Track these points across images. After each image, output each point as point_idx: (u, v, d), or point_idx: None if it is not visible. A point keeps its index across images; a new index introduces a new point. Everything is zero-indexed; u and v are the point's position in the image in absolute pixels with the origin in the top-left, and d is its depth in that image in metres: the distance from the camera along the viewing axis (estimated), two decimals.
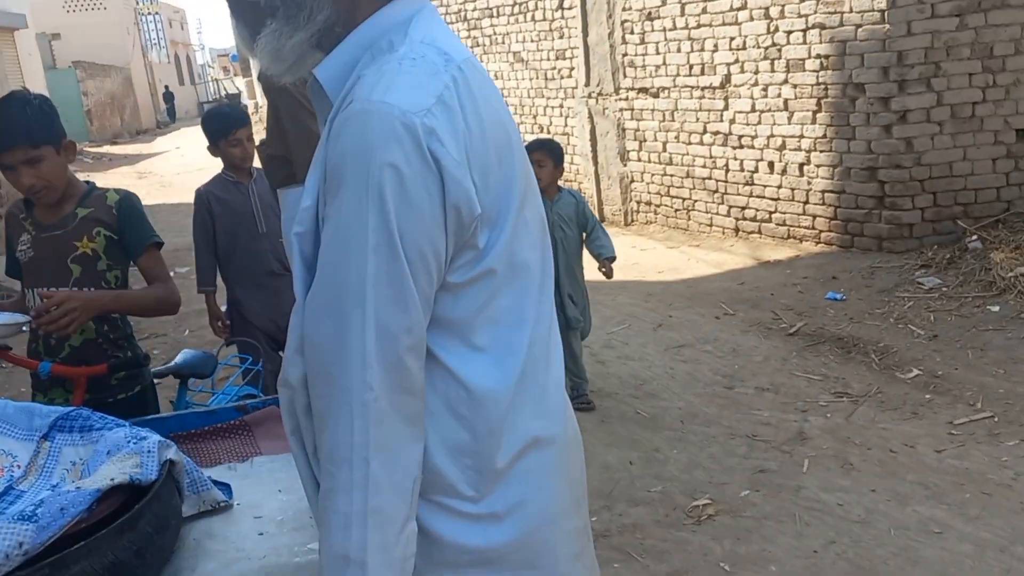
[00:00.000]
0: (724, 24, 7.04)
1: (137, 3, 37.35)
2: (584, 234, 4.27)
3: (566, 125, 9.09)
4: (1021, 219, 5.83)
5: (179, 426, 1.96)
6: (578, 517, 1.19)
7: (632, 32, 8.06)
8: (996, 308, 4.96)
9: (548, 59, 9.31)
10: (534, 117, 9.71)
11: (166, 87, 37.99)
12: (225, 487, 1.65)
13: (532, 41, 9.50)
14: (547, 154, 4.11)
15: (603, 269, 4.30)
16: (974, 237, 5.75)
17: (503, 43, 9.94)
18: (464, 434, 1.06)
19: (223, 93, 47.51)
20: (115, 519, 1.28)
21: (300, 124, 2.12)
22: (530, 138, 5.29)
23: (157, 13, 39.67)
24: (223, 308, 3.65)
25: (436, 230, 1.00)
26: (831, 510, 3.19)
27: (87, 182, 2.34)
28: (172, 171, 16.80)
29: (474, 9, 10.26)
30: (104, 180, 13.83)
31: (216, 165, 3.72)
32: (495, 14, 9.92)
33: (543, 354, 1.13)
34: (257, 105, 24.70)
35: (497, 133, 1.07)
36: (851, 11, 6.01)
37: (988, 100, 5.87)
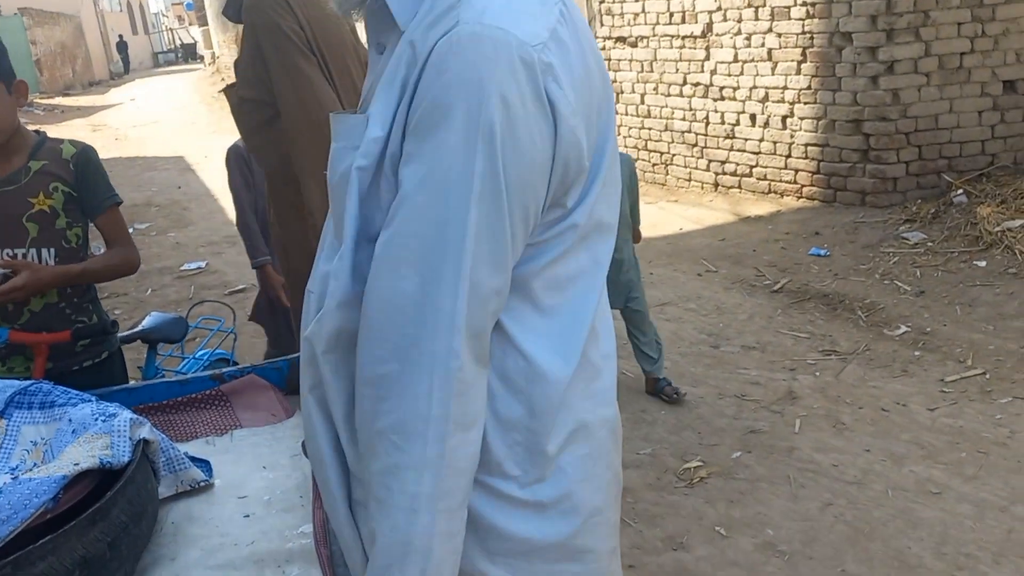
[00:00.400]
0: None
1: None
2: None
3: None
4: (1006, 172, 5.80)
5: (149, 397, 1.84)
6: (618, 509, 1.09)
7: None
8: (983, 263, 4.92)
9: None
10: None
11: (119, 36, 36.71)
12: (204, 464, 1.52)
13: None
14: None
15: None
16: (959, 191, 5.70)
17: None
18: (519, 408, 0.94)
19: (178, 43, 46.17)
20: (84, 508, 1.15)
21: (289, 63, 1.94)
22: None
23: None
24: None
25: (540, 183, 0.88)
26: (826, 471, 3.13)
27: (37, 132, 2.15)
28: (127, 124, 16.28)
29: None
30: (57, 133, 13.23)
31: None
32: None
33: (592, 327, 1.00)
34: (214, 55, 24.00)
35: (597, 79, 0.94)
36: None
37: (976, 51, 5.78)
